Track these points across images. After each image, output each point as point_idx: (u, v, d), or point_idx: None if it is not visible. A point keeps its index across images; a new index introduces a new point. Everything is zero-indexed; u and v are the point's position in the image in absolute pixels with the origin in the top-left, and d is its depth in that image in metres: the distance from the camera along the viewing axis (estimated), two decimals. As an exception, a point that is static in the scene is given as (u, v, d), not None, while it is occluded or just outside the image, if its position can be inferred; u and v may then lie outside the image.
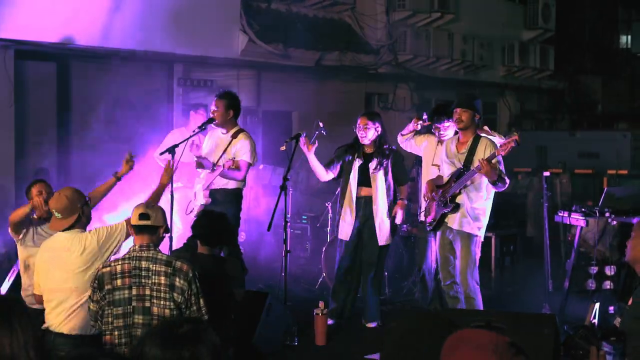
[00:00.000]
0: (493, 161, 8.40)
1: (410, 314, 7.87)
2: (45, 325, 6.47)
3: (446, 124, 9.48)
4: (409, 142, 9.93)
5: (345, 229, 9.67)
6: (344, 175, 9.73)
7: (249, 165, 9.56)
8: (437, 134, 9.63)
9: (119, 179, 7.94)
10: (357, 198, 9.62)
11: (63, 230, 6.53)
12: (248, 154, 9.51)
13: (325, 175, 9.78)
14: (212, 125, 9.66)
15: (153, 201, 6.97)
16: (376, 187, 9.55)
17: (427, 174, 9.65)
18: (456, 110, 8.81)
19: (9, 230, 7.41)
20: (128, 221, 6.47)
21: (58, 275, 6.42)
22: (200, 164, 9.66)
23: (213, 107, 9.64)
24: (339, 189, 9.96)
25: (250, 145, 9.57)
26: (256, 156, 9.72)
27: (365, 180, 9.62)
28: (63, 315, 6.39)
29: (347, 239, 9.67)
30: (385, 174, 9.56)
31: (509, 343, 3.14)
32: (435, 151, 9.64)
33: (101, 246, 6.48)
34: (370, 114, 9.85)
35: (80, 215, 6.56)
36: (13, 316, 3.63)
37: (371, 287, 9.77)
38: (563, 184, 15.44)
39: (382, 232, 9.59)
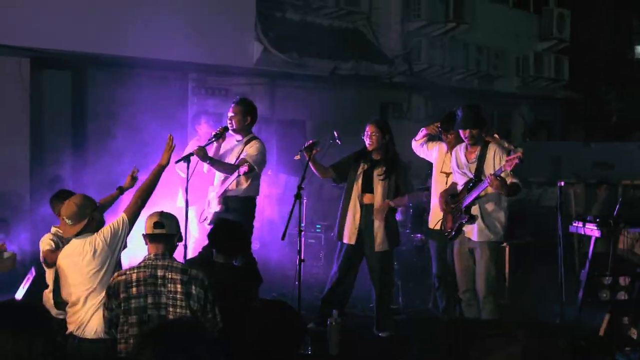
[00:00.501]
0: (502, 174, 8.41)
1: (431, 323, 7.89)
2: (68, 331, 6.51)
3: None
4: (423, 147, 9.98)
5: (349, 233, 9.66)
6: (349, 180, 9.72)
7: (254, 169, 9.54)
8: (446, 141, 9.69)
9: (122, 192, 8.08)
10: (360, 205, 9.62)
11: (75, 236, 6.59)
12: (256, 157, 9.54)
13: (324, 172, 9.72)
14: (230, 131, 9.67)
15: (151, 183, 7.01)
16: (378, 195, 9.56)
17: (437, 181, 9.74)
18: (466, 131, 8.81)
19: (41, 258, 7.48)
20: (127, 209, 6.64)
21: (76, 279, 6.47)
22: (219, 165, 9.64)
23: (231, 113, 9.65)
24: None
25: (260, 150, 9.60)
26: (264, 164, 9.73)
27: (368, 186, 9.62)
28: (83, 318, 6.44)
29: (353, 243, 9.64)
30: (389, 183, 9.57)
31: (537, 350, 3.14)
32: (444, 159, 9.68)
33: (110, 244, 6.53)
34: (377, 121, 9.86)
35: (90, 220, 6.61)
36: (35, 323, 3.65)
37: (381, 296, 9.76)
38: (577, 194, 15.38)
39: (380, 238, 9.58)
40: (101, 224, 6.77)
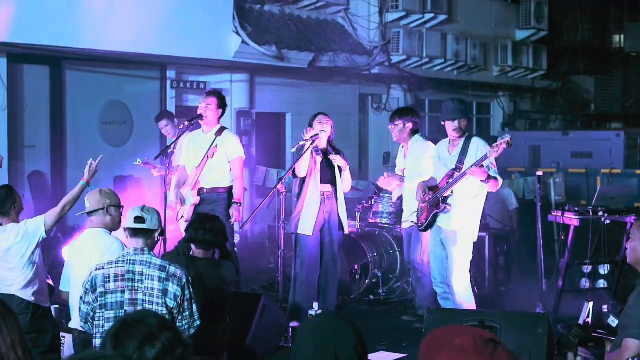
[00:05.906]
0: (485, 163, 8.42)
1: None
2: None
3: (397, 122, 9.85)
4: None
5: (309, 224, 9.53)
6: (305, 174, 9.66)
7: (243, 160, 9.81)
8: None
9: (87, 184, 7.89)
10: (322, 195, 9.59)
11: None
12: (241, 149, 9.74)
13: (304, 173, 9.63)
14: (200, 121, 9.67)
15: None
16: (337, 182, 9.59)
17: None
18: (455, 121, 8.81)
19: None
20: None
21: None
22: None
23: (203, 104, 9.65)
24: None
25: (238, 140, 9.88)
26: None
27: (325, 176, 9.63)
28: None
29: (318, 233, 9.58)
30: (340, 169, 9.62)
31: (485, 339, 3.10)
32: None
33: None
34: (324, 113, 9.89)
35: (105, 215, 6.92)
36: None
37: (336, 282, 9.77)
38: (557, 183, 15.44)
39: (344, 221, 9.65)
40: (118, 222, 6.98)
